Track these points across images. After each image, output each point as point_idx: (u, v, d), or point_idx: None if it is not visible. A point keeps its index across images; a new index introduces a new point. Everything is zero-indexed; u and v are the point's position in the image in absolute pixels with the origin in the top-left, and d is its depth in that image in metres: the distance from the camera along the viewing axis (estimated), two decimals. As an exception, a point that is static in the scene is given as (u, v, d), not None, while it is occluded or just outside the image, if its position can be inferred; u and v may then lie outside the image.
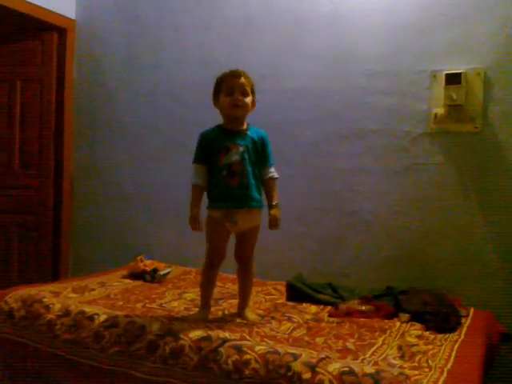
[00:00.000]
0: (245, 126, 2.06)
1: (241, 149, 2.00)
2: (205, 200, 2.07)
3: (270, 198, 2.08)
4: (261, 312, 2.22)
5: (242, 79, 1.99)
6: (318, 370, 1.56)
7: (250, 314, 2.12)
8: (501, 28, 2.45)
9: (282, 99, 2.89)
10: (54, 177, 3.52)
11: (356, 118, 2.74)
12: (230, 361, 1.68)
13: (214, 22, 3.10)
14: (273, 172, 2.10)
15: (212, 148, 2.02)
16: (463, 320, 2.14)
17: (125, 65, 3.40)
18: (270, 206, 2.07)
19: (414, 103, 2.61)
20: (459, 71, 2.48)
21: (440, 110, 2.55)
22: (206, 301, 2.12)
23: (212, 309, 2.18)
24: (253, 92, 2.05)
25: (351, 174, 2.75)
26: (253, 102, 2.05)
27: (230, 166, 1.99)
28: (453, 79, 2.49)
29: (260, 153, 2.06)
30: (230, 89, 1.99)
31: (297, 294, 2.46)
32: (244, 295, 2.16)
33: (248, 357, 1.67)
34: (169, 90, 3.24)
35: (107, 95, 3.46)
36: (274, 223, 2.06)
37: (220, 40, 3.08)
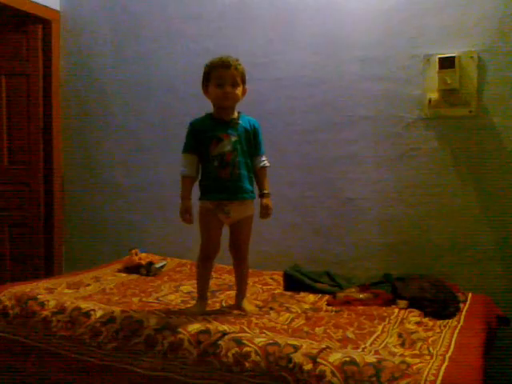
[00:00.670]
0: (235, 115, 2.03)
1: (233, 139, 1.98)
2: (196, 191, 2.04)
3: (261, 187, 2.08)
4: (259, 303, 2.21)
5: (233, 70, 1.95)
6: (319, 360, 1.55)
7: (248, 306, 2.11)
8: (494, 10, 2.42)
9: (275, 88, 2.86)
10: (44, 172, 3.47)
11: (349, 105, 2.71)
12: (229, 354, 1.67)
13: (205, 11, 3.04)
14: (264, 161, 2.08)
15: (203, 137, 1.99)
16: (461, 305, 2.14)
17: (113, 56, 3.33)
18: (262, 195, 2.07)
19: (407, 88, 2.59)
20: (453, 55, 2.46)
21: (434, 95, 2.53)
22: (202, 293, 2.10)
23: (209, 301, 2.17)
24: (243, 81, 2.02)
25: (346, 161, 2.73)
26: (244, 90, 2.03)
27: (221, 156, 1.96)
28: (446, 63, 2.47)
29: (252, 142, 2.04)
30: (219, 80, 1.95)
31: (294, 283, 2.45)
32: (240, 287, 2.14)
33: (248, 349, 1.66)
34: (160, 81, 3.19)
35: (96, 88, 3.39)
36: (265, 212, 2.05)
37: (211, 29, 3.02)
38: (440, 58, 2.48)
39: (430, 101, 2.54)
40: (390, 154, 2.63)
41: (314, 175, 2.80)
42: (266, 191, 2.07)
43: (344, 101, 2.72)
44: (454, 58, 2.45)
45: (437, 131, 2.55)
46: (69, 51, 3.46)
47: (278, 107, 2.86)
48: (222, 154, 1.96)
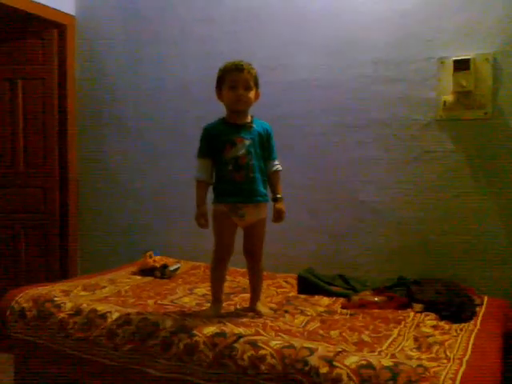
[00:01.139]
0: (249, 119, 2.04)
1: (247, 142, 1.99)
2: (209, 195, 2.05)
3: (274, 191, 2.09)
4: (273, 306, 2.21)
5: (246, 73, 1.97)
6: (335, 363, 1.55)
7: (263, 308, 2.11)
8: (509, 12, 2.40)
9: (289, 91, 2.86)
10: (59, 175, 3.50)
11: (364, 108, 2.70)
12: (245, 356, 1.67)
13: (217, 14, 3.06)
14: (277, 165, 2.09)
15: (217, 142, 2.00)
16: (478, 309, 2.12)
17: (128, 60, 3.36)
18: (275, 200, 2.07)
19: (422, 91, 2.57)
20: (467, 57, 2.45)
21: (449, 97, 2.51)
22: (217, 296, 2.10)
23: (224, 304, 2.17)
24: (256, 84, 2.03)
25: (360, 164, 2.72)
26: (257, 93, 2.04)
27: (236, 159, 1.98)
28: (461, 65, 2.45)
29: (265, 146, 2.05)
30: (233, 83, 1.97)
31: (308, 286, 2.45)
32: (255, 290, 2.15)
33: (264, 352, 1.66)
34: (174, 84, 3.21)
35: (110, 91, 3.42)
36: (278, 216, 2.06)
37: (223, 32, 3.04)
38: (455, 61, 2.46)
39: (444, 103, 2.53)
40: (405, 157, 2.62)
41: (327, 178, 2.80)
42: (279, 195, 2.07)
43: (358, 103, 2.71)
44: (468, 60, 2.44)
45: (451, 133, 2.53)
46: (84, 55, 3.50)
47: (292, 110, 2.86)
48: (236, 157, 1.97)
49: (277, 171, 2.09)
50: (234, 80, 1.97)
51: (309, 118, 2.83)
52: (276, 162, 2.09)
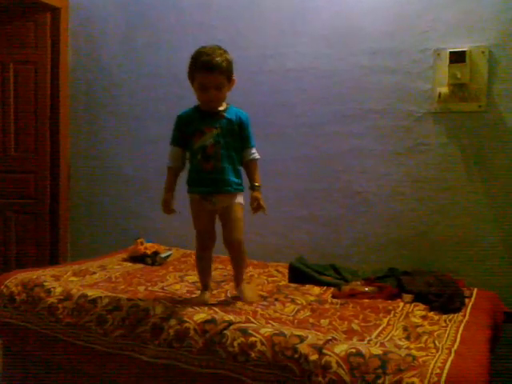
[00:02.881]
0: (223, 107, 1.99)
1: (215, 131, 1.95)
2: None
3: (251, 180, 2.04)
4: (264, 293, 2.21)
5: (217, 74, 1.88)
6: (324, 351, 1.55)
7: (248, 291, 2.10)
8: (506, 5, 2.40)
9: (284, 79, 2.84)
10: (50, 160, 3.47)
11: (359, 98, 2.70)
12: (235, 343, 1.67)
13: (215, 1, 3.02)
14: (254, 154, 2.04)
15: (188, 130, 1.99)
16: (467, 300, 2.13)
17: (122, 45, 3.32)
18: (252, 188, 2.02)
19: (417, 82, 2.57)
20: (463, 49, 2.44)
21: (444, 89, 2.51)
22: (204, 283, 2.11)
23: (214, 291, 2.17)
24: (230, 76, 1.94)
25: (354, 154, 2.72)
26: (232, 81, 1.96)
27: (203, 149, 1.95)
28: (457, 57, 2.45)
29: (238, 134, 2.00)
30: (203, 85, 1.90)
31: (299, 275, 2.45)
32: (236, 272, 2.12)
33: (254, 339, 1.66)
34: (169, 71, 3.17)
35: (104, 77, 3.39)
36: (255, 205, 2.00)
37: (221, 19, 3.00)
38: (451, 53, 2.46)
39: (439, 95, 2.52)
40: (399, 148, 2.62)
41: (321, 168, 2.79)
42: (256, 184, 2.01)
43: (353, 93, 2.71)
44: (464, 52, 2.43)
45: (446, 126, 2.53)
46: (77, 39, 3.46)
47: (287, 99, 2.85)
48: (204, 146, 1.95)
49: (253, 160, 2.03)
50: (204, 83, 1.89)
51: (305, 107, 2.82)
52: (253, 151, 2.04)
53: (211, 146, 1.94)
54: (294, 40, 2.82)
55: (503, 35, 2.41)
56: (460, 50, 2.45)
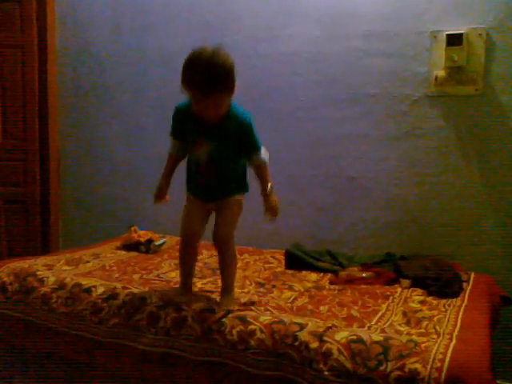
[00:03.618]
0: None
1: (210, 146, 1.78)
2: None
3: (261, 185, 1.85)
4: (261, 280, 2.19)
5: (215, 95, 1.63)
6: (325, 338, 1.54)
7: (226, 301, 1.82)
8: (503, -13, 2.37)
9: (278, 63, 2.79)
10: (39, 147, 3.40)
11: (353, 82, 2.66)
12: (234, 331, 1.65)
13: (206, -18, 2.95)
14: (260, 158, 1.83)
15: (185, 127, 1.84)
16: (464, 285, 2.13)
17: (111, 29, 3.23)
18: (263, 195, 1.84)
19: (413, 65, 2.54)
20: (460, 32, 2.41)
21: (440, 72, 2.48)
22: (183, 282, 1.93)
23: (211, 278, 2.14)
24: (231, 89, 1.67)
25: (349, 139, 2.69)
26: (232, 90, 1.69)
27: (197, 164, 1.83)
28: (454, 40, 2.42)
29: (239, 141, 1.79)
30: (200, 104, 1.68)
31: (296, 261, 2.43)
32: (224, 278, 1.90)
33: (253, 327, 1.64)
34: (158, 55, 3.10)
35: (93, 61, 3.31)
36: (269, 213, 1.85)
37: (212, 2, 2.93)
38: (448, 35, 2.42)
39: (436, 78, 2.49)
40: (395, 132, 2.59)
41: (316, 153, 2.76)
42: (266, 191, 1.82)
43: (348, 77, 2.67)
44: (461, 34, 2.40)
45: (442, 109, 2.50)
46: (65, 22, 3.36)
47: (281, 83, 2.80)
48: (198, 162, 1.83)
49: (259, 165, 1.83)
50: (202, 103, 1.66)
51: (298, 90, 2.77)
52: (259, 155, 1.82)
53: (205, 164, 1.80)
54: (288, 23, 2.76)
55: (501, 18, 2.38)
56: (457, 32, 2.41)
